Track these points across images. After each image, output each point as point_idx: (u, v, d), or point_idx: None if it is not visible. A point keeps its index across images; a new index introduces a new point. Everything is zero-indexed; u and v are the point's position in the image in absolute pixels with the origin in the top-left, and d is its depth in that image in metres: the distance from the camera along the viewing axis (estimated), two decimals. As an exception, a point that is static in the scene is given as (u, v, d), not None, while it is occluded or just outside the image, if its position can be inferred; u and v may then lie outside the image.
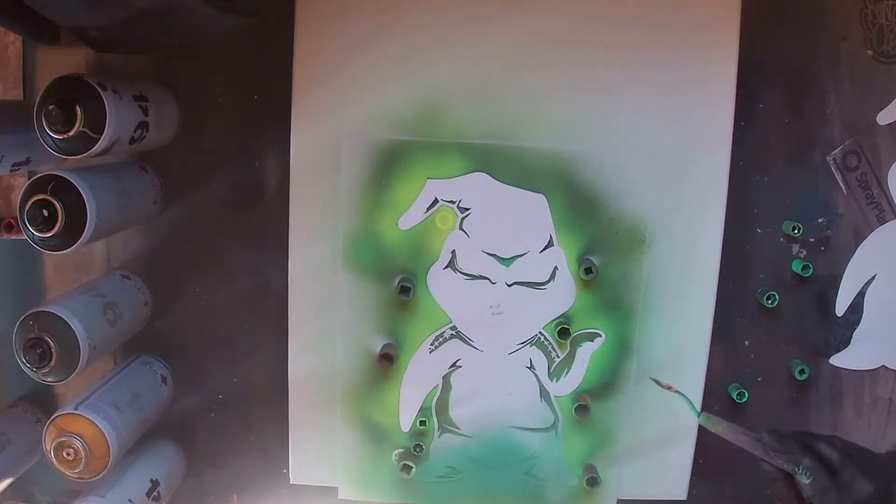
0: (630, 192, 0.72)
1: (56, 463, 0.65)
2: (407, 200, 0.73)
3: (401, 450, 0.77)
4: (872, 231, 0.76)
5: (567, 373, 0.75)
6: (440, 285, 0.74)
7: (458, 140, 0.72)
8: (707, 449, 0.76)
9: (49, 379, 0.65)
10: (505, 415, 0.76)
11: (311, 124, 0.72)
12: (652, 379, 0.70)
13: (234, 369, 0.79)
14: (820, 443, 0.60)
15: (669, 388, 0.67)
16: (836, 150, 0.75)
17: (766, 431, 0.62)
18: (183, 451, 0.79)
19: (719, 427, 0.62)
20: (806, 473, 0.58)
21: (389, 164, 0.72)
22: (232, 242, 0.77)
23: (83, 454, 0.64)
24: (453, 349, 0.75)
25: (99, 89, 0.61)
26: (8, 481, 0.75)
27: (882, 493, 0.58)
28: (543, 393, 0.76)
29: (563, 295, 0.74)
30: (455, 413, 0.76)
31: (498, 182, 0.72)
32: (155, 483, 0.73)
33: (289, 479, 0.79)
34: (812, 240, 0.76)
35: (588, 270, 0.71)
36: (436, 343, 0.75)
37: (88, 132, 0.61)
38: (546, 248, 0.73)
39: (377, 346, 0.75)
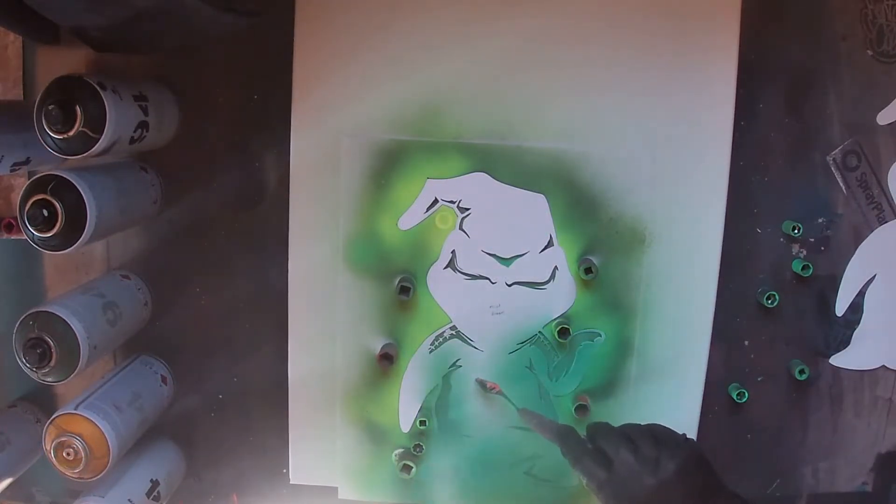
0: (630, 192, 0.72)
1: (56, 463, 0.65)
2: (407, 200, 0.73)
3: (401, 450, 0.77)
4: (872, 231, 0.75)
5: (567, 373, 0.75)
6: (440, 285, 0.74)
7: (458, 140, 0.72)
8: (707, 449, 0.76)
9: (49, 379, 0.65)
10: (505, 415, 0.76)
11: (311, 124, 0.72)
12: (477, 380, 0.74)
13: (234, 369, 0.79)
14: (601, 439, 0.61)
15: (494, 387, 0.72)
16: (836, 150, 0.75)
17: (558, 429, 0.64)
18: (183, 451, 0.79)
19: (532, 422, 0.67)
20: (580, 475, 0.61)
21: (389, 164, 0.72)
22: (232, 242, 0.77)
23: (83, 454, 0.64)
24: (453, 349, 0.75)
25: (99, 89, 0.61)
26: (8, 481, 0.75)
27: (673, 480, 0.58)
28: (543, 393, 0.76)
29: (563, 295, 0.74)
30: (455, 413, 0.76)
31: (498, 182, 0.72)
32: (155, 483, 0.73)
33: (289, 479, 0.79)
34: (812, 240, 0.76)
35: (588, 270, 0.71)
36: (436, 343, 0.75)
37: (88, 132, 0.61)
38: (546, 247, 0.73)
39: (377, 346, 0.75)
